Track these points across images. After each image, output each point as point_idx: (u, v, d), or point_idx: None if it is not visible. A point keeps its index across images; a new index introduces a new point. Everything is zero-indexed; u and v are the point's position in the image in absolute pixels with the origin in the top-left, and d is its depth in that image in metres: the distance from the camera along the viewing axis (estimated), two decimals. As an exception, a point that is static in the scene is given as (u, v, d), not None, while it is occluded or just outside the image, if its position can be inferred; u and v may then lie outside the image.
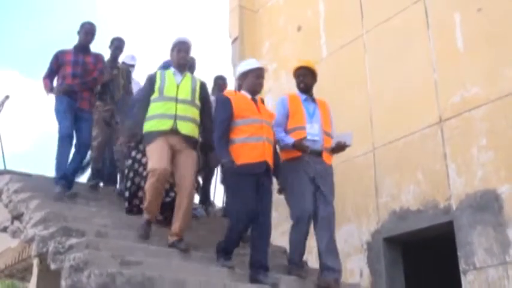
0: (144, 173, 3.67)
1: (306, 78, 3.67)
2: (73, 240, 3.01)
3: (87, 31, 4.22)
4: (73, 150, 4.13)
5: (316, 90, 4.07)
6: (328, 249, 3.37)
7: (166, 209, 3.75)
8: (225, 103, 3.33)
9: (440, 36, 4.18)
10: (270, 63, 5.67)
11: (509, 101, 3.63)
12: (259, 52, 6.14)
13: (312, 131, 3.52)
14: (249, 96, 3.37)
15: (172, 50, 3.57)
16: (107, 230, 3.43)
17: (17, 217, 3.58)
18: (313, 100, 3.68)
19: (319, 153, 3.50)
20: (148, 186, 3.30)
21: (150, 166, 3.31)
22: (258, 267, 3.13)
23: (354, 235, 4.23)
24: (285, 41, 5.80)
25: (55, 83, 4.16)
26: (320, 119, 3.64)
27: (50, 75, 4.14)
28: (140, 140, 3.81)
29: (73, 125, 4.02)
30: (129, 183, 3.92)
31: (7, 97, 5.79)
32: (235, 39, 6.32)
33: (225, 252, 3.19)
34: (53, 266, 2.99)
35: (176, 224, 3.33)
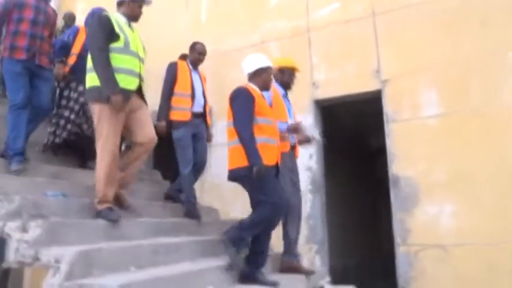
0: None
1: (293, 77, 3.29)
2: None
3: None
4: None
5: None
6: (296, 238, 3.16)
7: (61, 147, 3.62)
8: (250, 99, 2.70)
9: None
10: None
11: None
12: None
13: None
14: (259, 92, 2.84)
15: (133, 1, 2.88)
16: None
17: None
18: (287, 96, 3.32)
19: (294, 147, 3.21)
20: (103, 167, 2.60)
21: (106, 144, 2.61)
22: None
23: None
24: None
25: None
26: (293, 116, 3.26)
27: (1, 18, 3.16)
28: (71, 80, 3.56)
29: (29, 89, 3.15)
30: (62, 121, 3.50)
31: None
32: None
33: (241, 240, 2.67)
34: None
35: (124, 180, 2.85)
